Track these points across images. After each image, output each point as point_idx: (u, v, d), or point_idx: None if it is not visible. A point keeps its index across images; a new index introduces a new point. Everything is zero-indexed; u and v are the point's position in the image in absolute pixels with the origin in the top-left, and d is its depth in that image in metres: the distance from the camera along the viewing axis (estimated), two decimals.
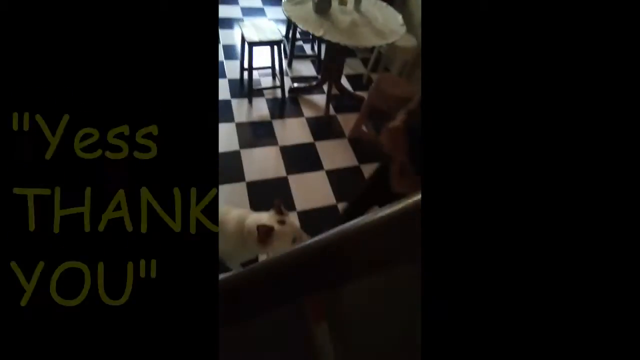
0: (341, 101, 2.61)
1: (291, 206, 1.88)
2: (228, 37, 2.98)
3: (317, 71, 2.88)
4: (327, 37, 1.90)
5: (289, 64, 2.86)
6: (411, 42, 2.57)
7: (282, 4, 2.08)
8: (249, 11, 3.38)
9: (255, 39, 2.11)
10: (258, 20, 2.58)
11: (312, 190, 1.99)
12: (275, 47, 2.24)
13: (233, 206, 1.25)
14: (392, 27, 2.10)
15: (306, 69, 2.90)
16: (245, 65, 2.30)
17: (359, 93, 2.68)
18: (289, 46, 2.78)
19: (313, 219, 1.85)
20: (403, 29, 2.12)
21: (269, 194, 1.89)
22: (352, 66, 3.01)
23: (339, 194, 1.99)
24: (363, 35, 1.99)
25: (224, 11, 3.26)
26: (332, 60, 2.44)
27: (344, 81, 2.76)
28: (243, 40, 2.21)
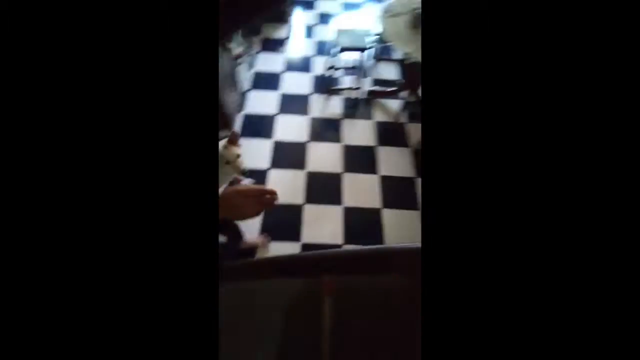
0: (417, 110, 2.66)
1: (339, 201, 2.11)
2: (322, 32, 3.21)
3: (402, 75, 2.94)
4: (414, 55, 1.99)
5: (374, 64, 2.98)
6: None
7: (380, 15, 2.20)
8: (349, 6, 3.51)
9: (347, 44, 2.29)
10: (354, 19, 2.65)
11: (361, 191, 2.19)
12: (365, 52, 2.40)
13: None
14: None
15: (390, 72, 2.98)
16: (330, 64, 2.51)
17: None
18: (379, 47, 2.88)
19: (355, 217, 2.06)
20: None
21: (324, 185, 2.15)
22: None
23: (386, 200, 2.15)
24: None
25: (324, 6, 3.46)
26: (415, 68, 2.49)
27: None
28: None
